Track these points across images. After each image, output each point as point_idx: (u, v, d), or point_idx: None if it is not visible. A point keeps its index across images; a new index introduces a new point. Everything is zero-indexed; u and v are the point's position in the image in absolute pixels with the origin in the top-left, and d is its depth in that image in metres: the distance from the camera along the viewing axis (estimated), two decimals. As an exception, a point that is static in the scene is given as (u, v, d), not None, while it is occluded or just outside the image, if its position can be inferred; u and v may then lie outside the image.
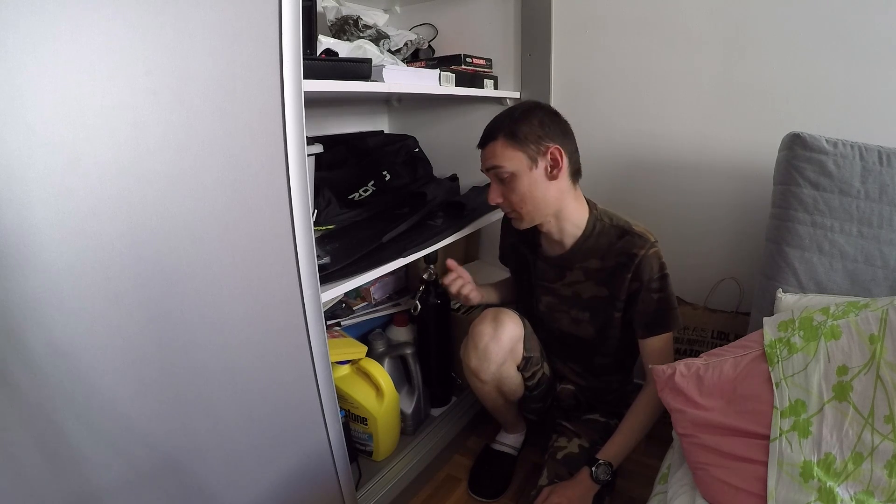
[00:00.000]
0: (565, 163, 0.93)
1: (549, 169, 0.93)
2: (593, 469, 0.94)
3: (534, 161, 0.92)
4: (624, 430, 0.99)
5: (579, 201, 1.00)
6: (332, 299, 0.96)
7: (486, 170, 0.97)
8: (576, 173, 0.98)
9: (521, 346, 1.02)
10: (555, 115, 0.96)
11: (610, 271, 0.98)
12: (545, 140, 0.92)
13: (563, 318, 1.07)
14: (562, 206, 0.97)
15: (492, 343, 0.98)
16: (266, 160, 0.68)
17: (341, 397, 1.04)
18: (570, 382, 1.13)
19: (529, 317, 1.08)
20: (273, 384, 0.77)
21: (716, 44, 1.14)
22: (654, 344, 0.98)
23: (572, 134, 0.97)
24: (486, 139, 0.96)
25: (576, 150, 0.97)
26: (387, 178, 1.23)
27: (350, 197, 1.18)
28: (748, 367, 0.74)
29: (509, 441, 1.23)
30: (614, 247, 0.97)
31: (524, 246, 1.12)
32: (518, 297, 1.20)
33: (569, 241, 1.01)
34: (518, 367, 1.04)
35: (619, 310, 0.99)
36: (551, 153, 0.92)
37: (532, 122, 0.92)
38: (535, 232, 1.05)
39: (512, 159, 0.92)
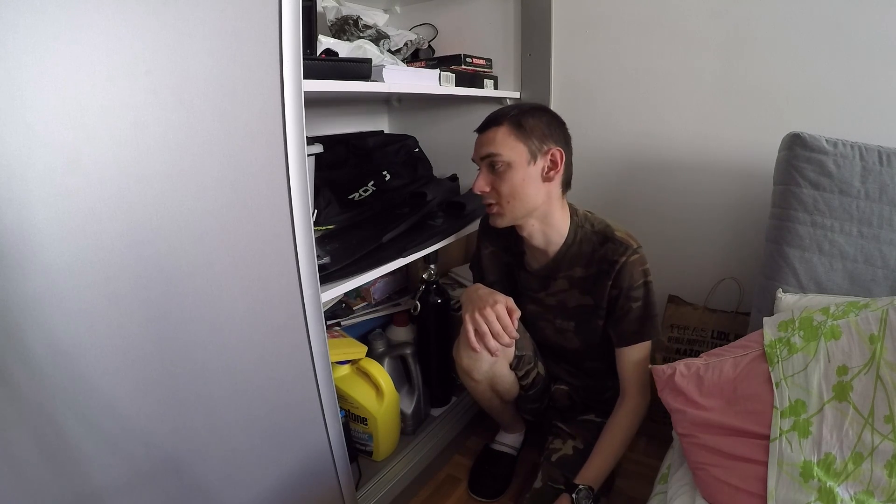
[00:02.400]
0: (562, 168, 0.93)
1: (545, 170, 0.93)
2: (574, 496, 0.90)
3: (533, 157, 0.91)
4: (601, 451, 0.96)
5: (565, 210, 1.00)
6: (332, 299, 0.96)
7: (481, 157, 0.94)
8: (567, 183, 0.98)
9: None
10: (562, 122, 0.96)
11: (593, 279, 0.97)
12: (549, 140, 0.92)
13: (547, 326, 1.07)
14: (548, 213, 0.96)
15: None
16: (266, 160, 0.68)
17: (341, 397, 1.04)
18: (564, 383, 1.12)
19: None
20: (273, 384, 0.77)
21: (716, 44, 1.14)
22: (631, 355, 0.96)
23: (571, 146, 0.97)
24: (489, 124, 0.94)
25: (571, 162, 0.97)
26: (387, 178, 1.23)
27: (350, 197, 1.18)
28: (748, 367, 0.74)
29: (509, 441, 1.23)
30: (597, 254, 0.96)
31: (507, 255, 1.11)
32: None
33: (552, 249, 1.00)
34: (510, 366, 1.03)
35: (601, 318, 0.98)
36: (552, 154, 0.92)
37: (540, 119, 0.92)
38: (518, 242, 1.04)
39: (513, 149, 0.90)
